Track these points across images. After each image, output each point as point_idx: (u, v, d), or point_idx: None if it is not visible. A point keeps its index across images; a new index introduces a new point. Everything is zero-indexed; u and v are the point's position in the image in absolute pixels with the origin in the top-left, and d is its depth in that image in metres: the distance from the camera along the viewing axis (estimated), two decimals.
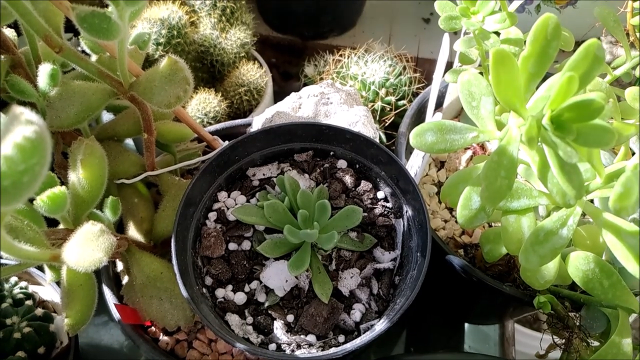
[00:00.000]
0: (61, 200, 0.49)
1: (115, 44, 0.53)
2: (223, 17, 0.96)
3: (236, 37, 0.97)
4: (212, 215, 0.62)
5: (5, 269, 0.52)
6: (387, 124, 0.93)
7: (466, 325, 1.03)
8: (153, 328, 0.69)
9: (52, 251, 0.48)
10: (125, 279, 0.70)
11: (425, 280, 0.67)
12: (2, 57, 0.62)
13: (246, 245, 0.60)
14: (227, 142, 0.65)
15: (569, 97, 0.41)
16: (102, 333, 1.02)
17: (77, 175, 0.54)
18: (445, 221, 0.82)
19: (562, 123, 0.42)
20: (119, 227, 0.69)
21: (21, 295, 0.77)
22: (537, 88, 0.47)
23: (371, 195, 0.64)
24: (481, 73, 0.62)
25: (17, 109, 0.33)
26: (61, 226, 0.58)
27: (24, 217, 0.51)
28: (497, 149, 0.46)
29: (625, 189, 0.41)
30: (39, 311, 0.76)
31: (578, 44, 1.21)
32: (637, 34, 0.80)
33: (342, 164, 0.66)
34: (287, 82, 1.28)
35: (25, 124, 0.32)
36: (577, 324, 0.66)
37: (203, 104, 0.91)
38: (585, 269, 0.56)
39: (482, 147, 0.89)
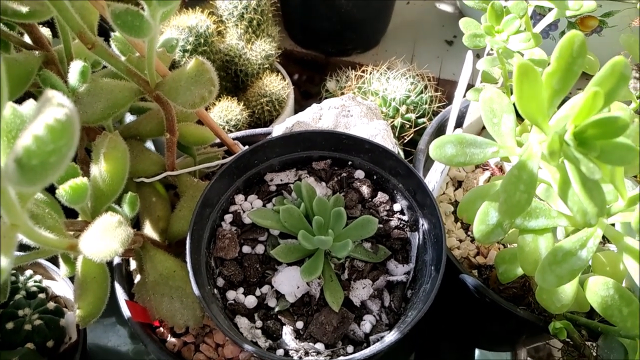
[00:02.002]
0: (82, 190, 0.50)
1: (145, 43, 0.54)
2: (249, 29, 0.98)
3: (261, 49, 0.98)
4: (228, 218, 0.62)
5: (23, 257, 0.53)
6: (405, 141, 0.93)
7: (477, 352, 1.01)
8: (161, 329, 0.69)
9: (70, 240, 0.49)
10: (137, 278, 0.70)
11: (438, 300, 0.66)
12: (37, 52, 0.64)
13: (260, 249, 0.61)
14: (247, 147, 0.66)
15: (594, 113, 0.40)
16: (110, 334, 1.02)
17: (99, 168, 0.55)
18: (460, 241, 0.81)
19: (585, 139, 0.42)
20: (136, 225, 0.69)
21: (35, 289, 0.78)
22: (558, 108, 0.47)
23: (387, 207, 0.64)
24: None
25: (50, 92, 0.34)
26: (80, 218, 0.59)
27: (45, 206, 0.52)
28: (517, 163, 0.46)
29: None
30: (51, 305, 0.76)
31: None
32: None
33: (359, 174, 0.66)
34: (307, 101, 1.30)
35: (57, 106, 0.33)
36: (594, 354, 0.64)
37: (225, 112, 0.92)
38: (604, 294, 0.55)
39: (500, 169, 0.88)
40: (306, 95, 1.31)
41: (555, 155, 0.41)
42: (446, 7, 1.39)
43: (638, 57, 0.75)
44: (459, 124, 0.88)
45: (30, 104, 0.46)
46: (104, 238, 0.47)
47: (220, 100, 0.95)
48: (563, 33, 1.07)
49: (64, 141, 0.32)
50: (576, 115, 0.40)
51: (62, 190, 0.49)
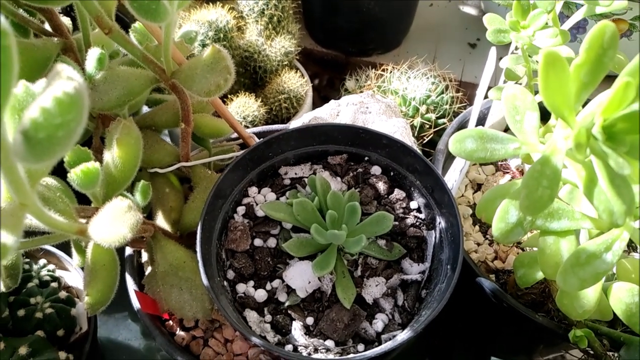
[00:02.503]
0: (94, 175, 0.50)
1: (162, 30, 0.54)
2: (270, 25, 0.98)
3: (280, 45, 0.98)
4: (241, 210, 0.61)
5: (34, 241, 0.52)
6: (425, 141, 0.92)
7: None
8: (171, 322, 0.68)
9: (79, 224, 0.48)
10: (148, 270, 0.70)
11: (453, 303, 0.63)
12: (55, 39, 0.64)
13: (272, 242, 0.59)
14: (262, 139, 0.65)
15: (624, 106, 0.38)
16: (122, 328, 1.02)
17: (111, 154, 0.54)
18: (478, 244, 0.79)
19: (614, 134, 0.40)
20: (149, 216, 0.69)
21: (47, 277, 0.78)
22: (584, 106, 0.45)
23: (404, 205, 0.62)
24: None
25: (60, 66, 0.33)
26: (92, 205, 0.58)
27: (56, 190, 0.52)
28: (540, 158, 0.44)
29: None
30: (63, 294, 0.76)
31: None
32: None
33: (376, 170, 0.65)
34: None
35: (66, 79, 0.32)
36: None
37: (243, 107, 0.92)
38: (628, 301, 0.52)
39: (522, 172, 0.86)
40: (326, 100, 1.30)
41: (582, 149, 0.39)
42: (470, 10, 1.37)
43: None
44: (480, 125, 0.86)
45: (41, 82, 0.45)
46: (113, 223, 0.46)
47: (237, 96, 0.94)
48: None
49: (72, 115, 0.31)
50: (605, 107, 0.38)
51: (74, 174, 0.49)
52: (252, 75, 1.01)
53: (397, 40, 1.27)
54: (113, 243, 0.45)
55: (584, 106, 0.45)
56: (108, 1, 0.58)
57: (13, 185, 0.38)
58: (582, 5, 0.70)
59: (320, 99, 1.29)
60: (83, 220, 0.55)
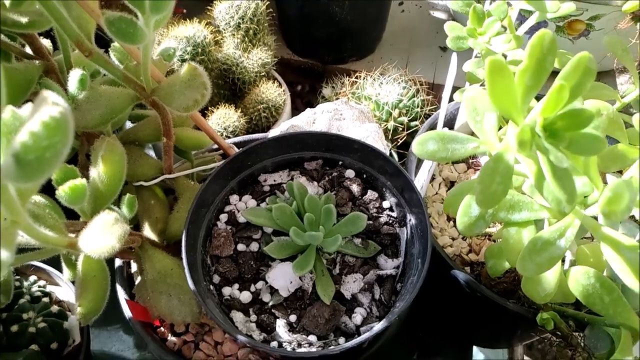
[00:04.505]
0: (81, 191, 0.53)
1: (140, 50, 0.57)
2: (246, 38, 1.01)
3: (257, 57, 1.01)
4: (223, 217, 0.65)
5: (25, 256, 0.55)
6: (399, 143, 0.96)
7: (475, 349, 1.02)
8: (162, 328, 0.71)
9: (69, 238, 0.51)
10: (138, 280, 0.72)
11: (434, 296, 0.67)
12: (37, 62, 0.67)
13: (254, 246, 0.63)
14: (241, 149, 0.68)
15: (561, 106, 0.42)
16: (114, 340, 1.05)
17: (97, 170, 0.57)
18: (453, 239, 0.83)
19: (555, 131, 0.44)
20: (136, 228, 0.72)
21: (39, 293, 0.81)
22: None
23: (377, 204, 0.66)
24: None
25: (45, 92, 0.37)
26: (81, 220, 0.61)
27: (45, 207, 0.55)
28: (494, 156, 0.48)
29: (615, 194, 0.42)
30: (55, 308, 0.79)
31: None
32: None
33: (350, 173, 0.68)
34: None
35: (52, 105, 0.35)
36: (581, 344, 0.66)
37: (223, 119, 0.95)
38: (585, 283, 0.56)
39: None
40: (309, 105, 1.34)
41: (525, 146, 0.43)
42: (440, 15, 1.42)
43: (620, 56, 0.78)
44: (450, 125, 0.90)
45: (29, 107, 0.48)
46: (102, 235, 0.49)
47: (218, 108, 0.98)
48: None
49: (58, 137, 0.34)
50: (544, 108, 0.43)
51: (62, 191, 0.52)
52: (232, 86, 1.05)
53: (371, 46, 1.31)
54: (102, 254, 0.48)
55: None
56: (87, 25, 0.61)
57: (5, 204, 0.41)
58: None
59: (303, 104, 1.33)
60: (72, 235, 0.58)
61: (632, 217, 0.65)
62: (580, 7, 1.01)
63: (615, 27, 1.04)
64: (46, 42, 0.78)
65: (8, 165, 0.35)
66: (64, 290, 0.87)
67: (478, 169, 0.91)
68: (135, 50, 0.62)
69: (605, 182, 0.68)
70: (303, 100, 1.35)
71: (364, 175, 0.68)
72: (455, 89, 0.78)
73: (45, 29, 0.60)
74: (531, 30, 0.98)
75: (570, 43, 1.09)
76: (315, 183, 0.68)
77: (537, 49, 0.47)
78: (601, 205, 0.43)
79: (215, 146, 0.80)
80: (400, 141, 0.95)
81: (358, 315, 0.59)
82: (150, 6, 0.51)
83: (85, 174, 0.68)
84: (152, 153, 1.07)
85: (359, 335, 0.57)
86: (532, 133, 0.44)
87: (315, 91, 1.33)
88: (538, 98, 0.46)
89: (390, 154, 0.96)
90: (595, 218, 0.59)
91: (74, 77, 0.64)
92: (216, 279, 0.61)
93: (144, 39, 0.53)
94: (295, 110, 1.08)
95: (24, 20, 0.57)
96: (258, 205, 0.67)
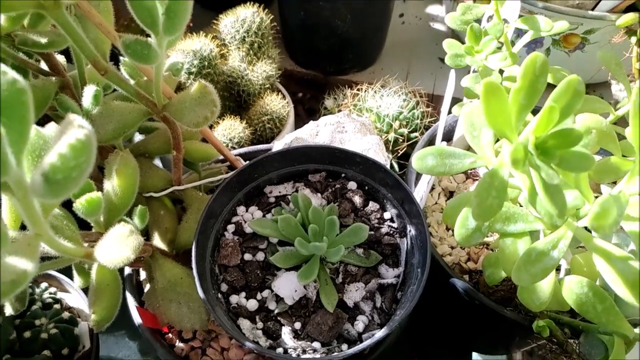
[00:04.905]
0: (97, 204, 0.55)
1: (153, 69, 0.60)
2: (251, 51, 1.04)
3: (262, 70, 1.04)
4: (231, 228, 0.67)
5: (44, 265, 0.58)
6: (399, 154, 0.98)
7: (474, 355, 1.04)
8: (170, 335, 0.73)
9: (86, 249, 0.54)
10: (147, 287, 0.75)
11: (434, 304, 0.68)
12: (53, 78, 0.70)
13: (260, 256, 0.65)
14: (247, 162, 0.71)
15: (551, 126, 0.45)
16: (121, 345, 1.07)
17: (111, 183, 0.60)
18: (452, 247, 0.85)
19: (546, 149, 0.46)
20: (146, 237, 0.74)
21: (50, 300, 0.83)
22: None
23: (378, 216, 0.68)
24: None
25: (71, 116, 0.40)
26: (93, 230, 0.64)
27: (63, 219, 0.58)
28: (489, 171, 0.51)
29: (603, 209, 0.45)
30: (66, 315, 0.81)
31: (587, 86, 1.26)
32: None
33: (352, 185, 0.71)
34: (311, 117, 1.36)
35: (78, 128, 0.38)
36: (577, 350, 0.68)
37: (229, 130, 0.98)
38: (578, 292, 0.59)
39: None
40: (311, 112, 1.37)
41: (518, 163, 0.46)
42: (439, 27, 1.45)
43: (614, 70, 0.80)
44: (448, 137, 0.93)
45: (51, 126, 0.51)
46: (117, 246, 0.52)
47: (224, 119, 1.00)
48: (548, 50, 1.12)
49: (83, 158, 0.37)
50: (535, 127, 0.45)
51: (79, 204, 0.54)
52: (237, 98, 1.07)
53: (372, 58, 1.34)
54: (118, 264, 0.51)
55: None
56: (103, 45, 0.64)
57: (30, 218, 0.44)
58: None
59: (305, 111, 1.36)
60: (86, 244, 0.60)
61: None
62: (576, 21, 1.04)
63: (609, 41, 1.07)
64: (60, 58, 0.81)
65: (36, 184, 0.38)
66: (73, 297, 0.89)
67: (477, 179, 0.94)
68: (148, 69, 0.65)
69: (600, 193, 0.70)
70: (305, 106, 1.38)
71: (366, 187, 0.71)
72: (454, 100, 0.81)
73: (62, 48, 0.63)
74: (529, 44, 1.01)
75: (567, 56, 1.12)
76: (319, 195, 0.70)
77: (530, 71, 0.50)
78: (589, 220, 0.46)
79: (222, 157, 0.82)
80: (401, 152, 0.98)
81: (360, 323, 0.61)
82: (164, 28, 0.54)
83: (98, 186, 0.70)
84: (159, 163, 1.10)
85: (361, 342, 0.60)
86: (525, 151, 0.47)
87: (318, 100, 1.36)
88: (535, 111, 0.49)
89: (391, 164, 0.99)
90: (588, 229, 0.62)
91: (89, 93, 0.67)
92: (224, 287, 0.64)
93: (157, 60, 0.56)
94: (297, 116, 1.10)
95: (43, 40, 0.60)
96: (264, 216, 0.69)
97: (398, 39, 1.41)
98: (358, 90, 1.06)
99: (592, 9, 1.04)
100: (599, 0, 1.04)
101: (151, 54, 0.55)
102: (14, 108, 0.38)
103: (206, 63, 0.99)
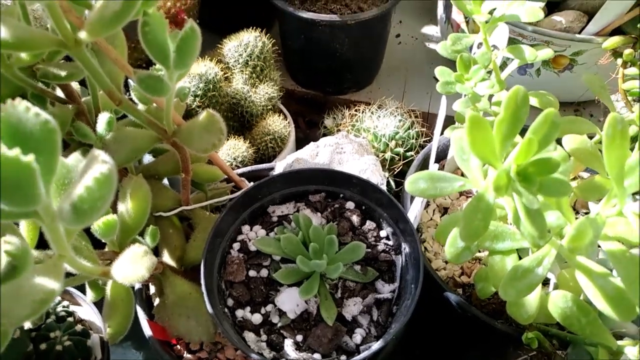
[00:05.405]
0: (113, 226, 0.60)
1: (164, 99, 0.64)
2: (253, 74, 1.09)
3: (264, 92, 1.09)
4: (236, 246, 0.72)
5: (66, 281, 0.62)
6: (396, 172, 1.03)
7: None
8: (178, 346, 0.77)
9: (103, 268, 0.58)
10: (156, 301, 0.79)
11: (429, 317, 0.72)
12: (70, 106, 0.75)
13: (264, 272, 0.69)
14: (252, 183, 0.75)
15: (531, 155, 0.49)
16: (128, 355, 1.11)
17: (125, 206, 0.64)
18: (446, 262, 0.89)
19: (527, 176, 0.51)
20: (155, 254, 0.79)
21: (63, 313, 0.87)
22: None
23: (375, 234, 0.73)
24: None
25: (96, 152, 0.44)
26: (107, 249, 0.68)
27: (81, 239, 0.62)
28: (476, 196, 0.55)
29: (578, 231, 0.49)
30: (79, 327, 0.85)
31: (576, 104, 1.31)
32: (629, 98, 0.89)
33: (350, 205, 0.75)
34: (311, 129, 1.40)
35: (101, 163, 0.43)
36: None
37: (233, 150, 1.03)
38: (563, 306, 0.62)
39: None
40: (311, 124, 1.42)
41: (501, 190, 0.50)
42: (434, 46, 1.50)
43: (598, 92, 0.85)
44: (443, 155, 0.97)
45: (73, 156, 0.56)
46: (133, 265, 0.56)
47: (228, 139, 1.05)
48: (539, 71, 1.17)
49: (107, 190, 0.42)
50: (516, 156, 0.50)
51: (97, 226, 0.59)
52: (240, 118, 1.12)
53: (370, 78, 1.39)
54: (133, 282, 0.55)
55: None
56: (118, 77, 0.69)
57: (55, 242, 0.48)
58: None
59: (305, 123, 1.40)
60: (102, 261, 0.65)
61: None
62: (564, 44, 1.09)
63: (596, 62, 1.11)
64: (74, 85, 0.86)
65: (64, 212, 0.42)
66: (85, 310, 0.93)
67: (470, 196, 0.98)
68: (159, 99, 0.69)
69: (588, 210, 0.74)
70: (305, 118, 1.43)
71: (363, 207, 0.75)
72: (448, 117, 0.86)
73: (79, 79, 0.68)
74: (521, 66, 1.05)
75: (556, 76, 1.17)
76: (319, 214, 0.75)
77: (512, 102, 0.54)
78: (566, 241, 0.50)
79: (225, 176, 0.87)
80: (397, 170, 1.03)
81: (358, 335, 0.65)
82: (174, 64, 0.59)
83: (113, 208, 0.75)
84: (165, 182, 1.15)
85: (359, 353, 0.64)
86: (507, 177, 0.51)
87: (318, 115, 1.40)
88: (525, 130, 0.52)
89: (388, 182, 1.03)
90: None
91: (102, 119, 0.71)
92: (230, 302, 0.68)
93: (168, 92, 0.60)
94: (298, 128, 1.15)
95: (63, 73, 0.65)
96: (267, 234, 0.73)
97: (395, 58, 1.46)
98: (356, 110, 1.10)
99: (580, 32, 1.09)
100: (586, 23, 1.09)
101: (163, 87, 0.59)
102: (46, 145, 0.42)
103: (211, 86, 1.03)
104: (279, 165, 0.89)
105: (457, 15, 1.26)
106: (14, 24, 0.52)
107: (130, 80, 0.81)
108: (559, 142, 0.65)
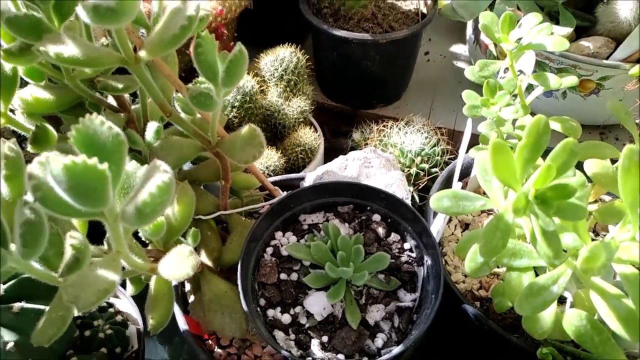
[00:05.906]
0: (161, 227, 0.66)
1: (211, 113, 0.70)
2: (287, 88, 1.15)
3: (297, 105, 1.15)
4: (269, 250, 0.77)
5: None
6: (420, 187, 1.07)
7: None
8: (210, 341, 0.83)
9: (151, 264, 0.64)
10: (191, 298, 0.85)
11: (448, 327, 0.75)
12: (122, 114, 0.81)
13: (294, 276, 0.75)
14: (285, 192, 0.81)
15: (549, 181, 0.54)
16: (159, 349, 1.17)
17: (172, 209, 0.70)
18: (465, 276, 0.93)
19: (545, 200, 0.55)
20: None
21: (105, 304, 0.94)
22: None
23: (399, 246, 0.77)
24: None
25: (157, 162, 0.50)
26: (150, 247, 0.74)
27: (132, 238, 0.68)
28: (496, 215, 0.59)
29: (591, 254, 0.53)
30: (119, 318, 0.91)
31: (602, 127, 1.34)
32: None
33: (376, 217, 0.80)
34: (335, 138, 1.45)
35: (162, 172, 0.49)
36: None
37: (265, 159, 1.08)
38: (578, 324, 0.65)
39: None
40: (335, 133, 1.46)
41: (519, 212, 0.54)
42: (462, 64, 1.54)
43: (622, 119, 0.88)
44: (466, 172, 1.01)
45: (132, 164, 0.62)
46: (179, 263, 0.61)
47: None
48: (565, 93, 1.20)
49: (167, 196, 0.47)
50: (535, 181, 0.54)
51: (147, 226, 0.65)
52: (273, 129, 1.18)
53: (398, 94, 1.44)
54: (179, 279, 0.61)
55: None
56: (169, 91, 0.75)
57: (115, 240, 0.54)
58: None
59: (329, 132, 1.45)
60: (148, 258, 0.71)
61: None
62: (591, 69, 1.12)
63: (622, 88, 1.14)
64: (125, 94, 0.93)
65: (128, 214, 0.48)
66: (123, 302, 0.99)
67: (491, 214, 1.02)
68: (206, 113, 0.75)
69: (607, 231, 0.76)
70: (330, 127, 1.48)
71: (389, 220, 0.80)
72: (473, 136, 0.90)
73: (133, 91, 0.74)
74: (546, 92, 1.08)
75: (583, 99, 1.20)
76: (347, 225, 0.80)
77: (534, 130, 0.58)
78: (579, 263, 0.54)
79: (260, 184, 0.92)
80: (422, 185, 1.07)
81: (379, 340, 0.70)
82: (222, 82, 0.65)
83: None
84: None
85: (380, 356, 0.68)
86: (526, 200, 0.55)
87: (346, 123, 1.45)
88: (547, 151, 0.55)
89: (412, 197, 1.07)
90: None
91: (151, 128, 0.77)
92: (262, 302, 0.73)
93: (216, 107, 0.66)
94: (323, 137, 1.20)
95: (120, 86, 0.71)
96: (298, 241, 0.79)
97: (423, 75, 1.50)
98: (384, 126, 1.15)
99: (607, 58, 1.12)
100: (614, 49, 1.12)
101: (212, 103, 0.65)
102: (116, 155, 0.48)
103: (248, 98, 1.10)
104: (310, 176, 0.94)
105: (485, 37, 1.30)
106: (84, 42, 0.58)
107: (177, 95, 0.88)
108: (580, 165, 0.68)
